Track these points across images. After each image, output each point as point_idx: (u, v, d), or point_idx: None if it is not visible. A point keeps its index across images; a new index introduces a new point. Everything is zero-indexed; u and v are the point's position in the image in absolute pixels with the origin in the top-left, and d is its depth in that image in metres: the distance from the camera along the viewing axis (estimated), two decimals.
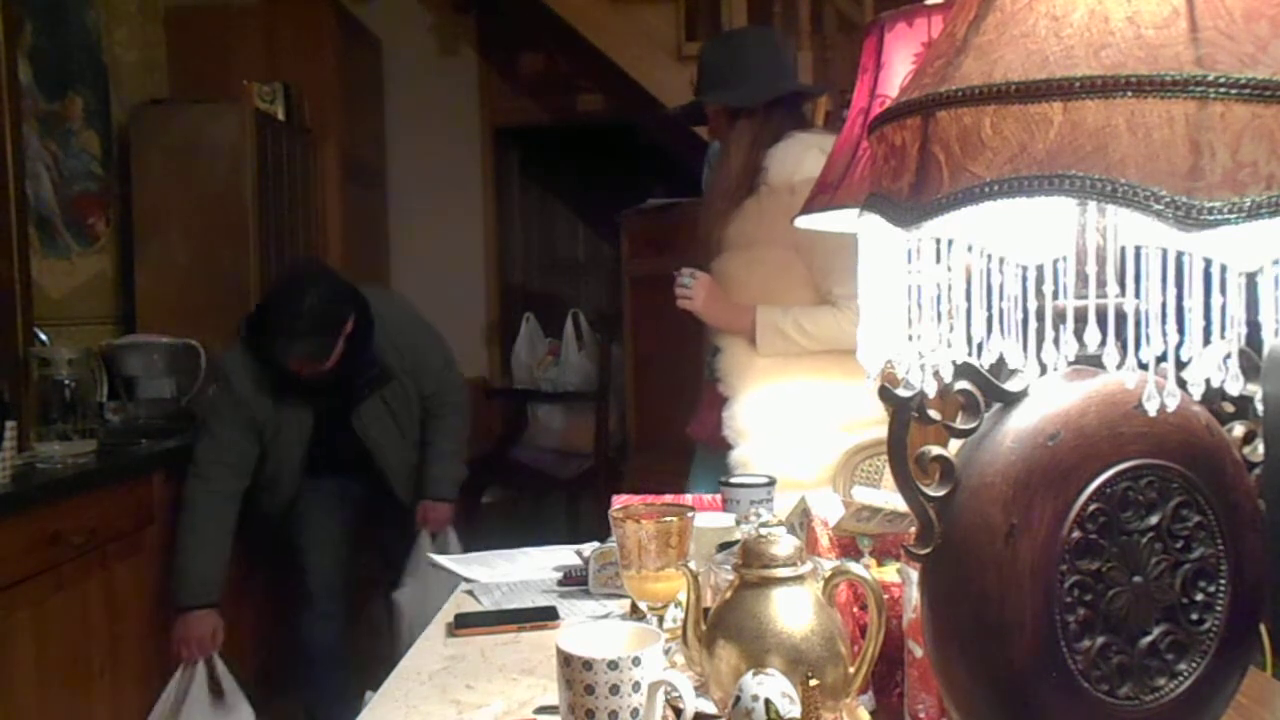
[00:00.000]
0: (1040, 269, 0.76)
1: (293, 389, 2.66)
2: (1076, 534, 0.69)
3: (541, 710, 1.09)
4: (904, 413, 0.74)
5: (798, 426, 2.00)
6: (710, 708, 0.98)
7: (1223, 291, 0.66)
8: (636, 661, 0.92)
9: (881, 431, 2.16)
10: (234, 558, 2.71)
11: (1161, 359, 0.65)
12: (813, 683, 0.89)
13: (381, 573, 3.07)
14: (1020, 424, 0.72)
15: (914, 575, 0.90)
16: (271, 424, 2.69)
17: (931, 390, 0.73)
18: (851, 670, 0.95)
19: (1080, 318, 0.73)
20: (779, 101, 2.09)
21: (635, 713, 0.92)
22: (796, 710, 0.87)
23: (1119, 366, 0.69)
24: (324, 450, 2.79)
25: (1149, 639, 0.70)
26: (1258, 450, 0.78)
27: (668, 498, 1.83)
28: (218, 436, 2.65)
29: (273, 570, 3.10)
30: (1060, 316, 0.75)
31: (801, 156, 2.00)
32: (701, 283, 2.09)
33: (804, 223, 1.54)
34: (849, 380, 1.97)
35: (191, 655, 2.59)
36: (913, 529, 0.76)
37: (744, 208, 2.07)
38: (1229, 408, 0.78)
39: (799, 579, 0.96)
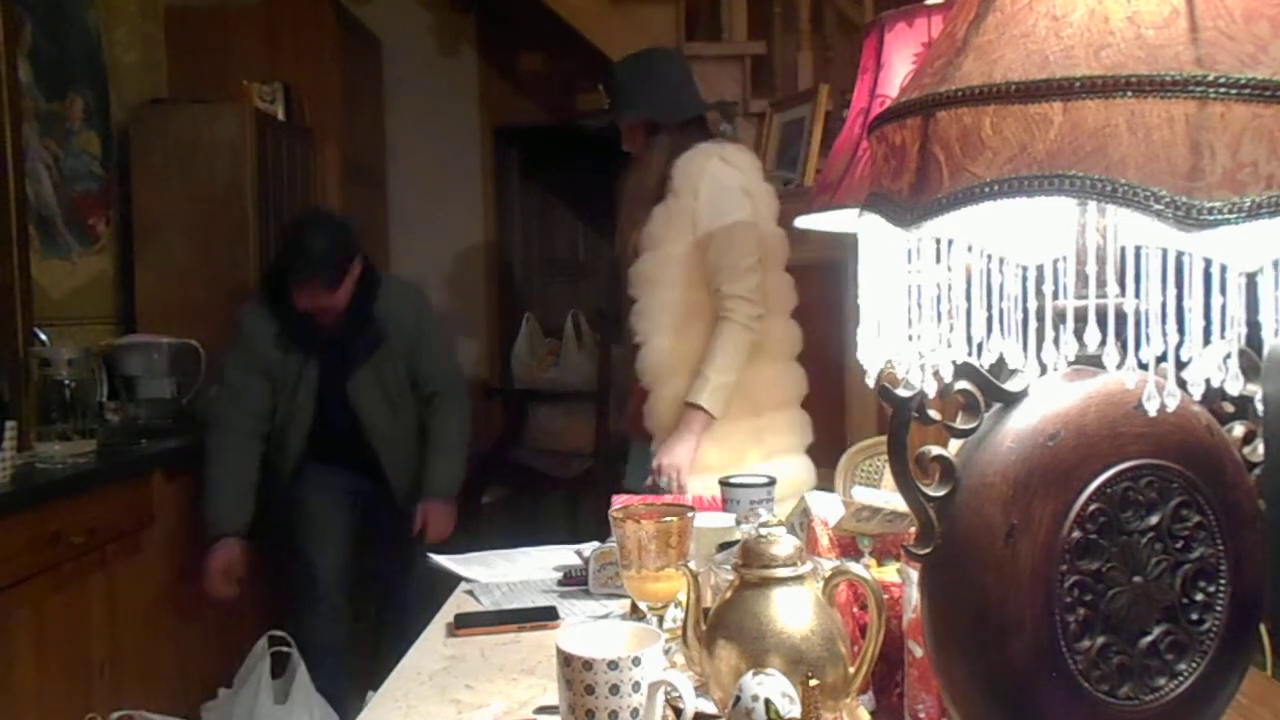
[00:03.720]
0: (1040, 269, 0.76)
1: (301, 340, 2.81)
2: (1076, 534, 0.69)
3: (541, 710, 1.09)
4: (904, 413, 0.74)
5: (762, 409, 2.21)
6: (710, 708, 0.98)
7: (1223, 291, 0.66)
8: (636, 661, 0.92)
9: (796, 417, 2.32)
10: (241, 557, 2.76)
11: (1161, 359, 0.65)
12: (813, 683, 0.89)
13: (385, 571, 3.09)
14: (1020, 424, 0.72)
15: (914, 575, 0.90)
16: (281, 377, 2.84)
17: (931, 390, 0.73)
18: (851, 670, 0.95)
19: (1080, 318, 0.73)
20: (691, 117, 2.31)
21: (635, 713, 0.92)
22: (796, 710, 0.87)
23: (1119, 366, 0.69)
24: (323, 424, 2.89)
25: (1149, 639, 0.70)
26: (1258, 450, 0.78)
27: (668, 498, 1.83)
28: (233, 384, 2.83)
29: (277, 569, 3.13)
30: (1060, 316, 0.75)
31: (704, 165, 2.21)
32: (671, 466, 2.17)
33: (803, 223, 1.54)
34: (754, 365, 2.20)
35: (213, 589, 2.71)
36: (913, 529, 0.76)
37: (654, 214, 2.25)
38: (1229, 408, 0.78)
39: (799, 579, 0.96)
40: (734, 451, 2.21)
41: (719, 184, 2.20)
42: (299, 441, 2.89)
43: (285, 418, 2.88)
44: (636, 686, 0.92)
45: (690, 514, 1.18)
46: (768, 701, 0.86)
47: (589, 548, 1.54)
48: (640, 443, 2.37)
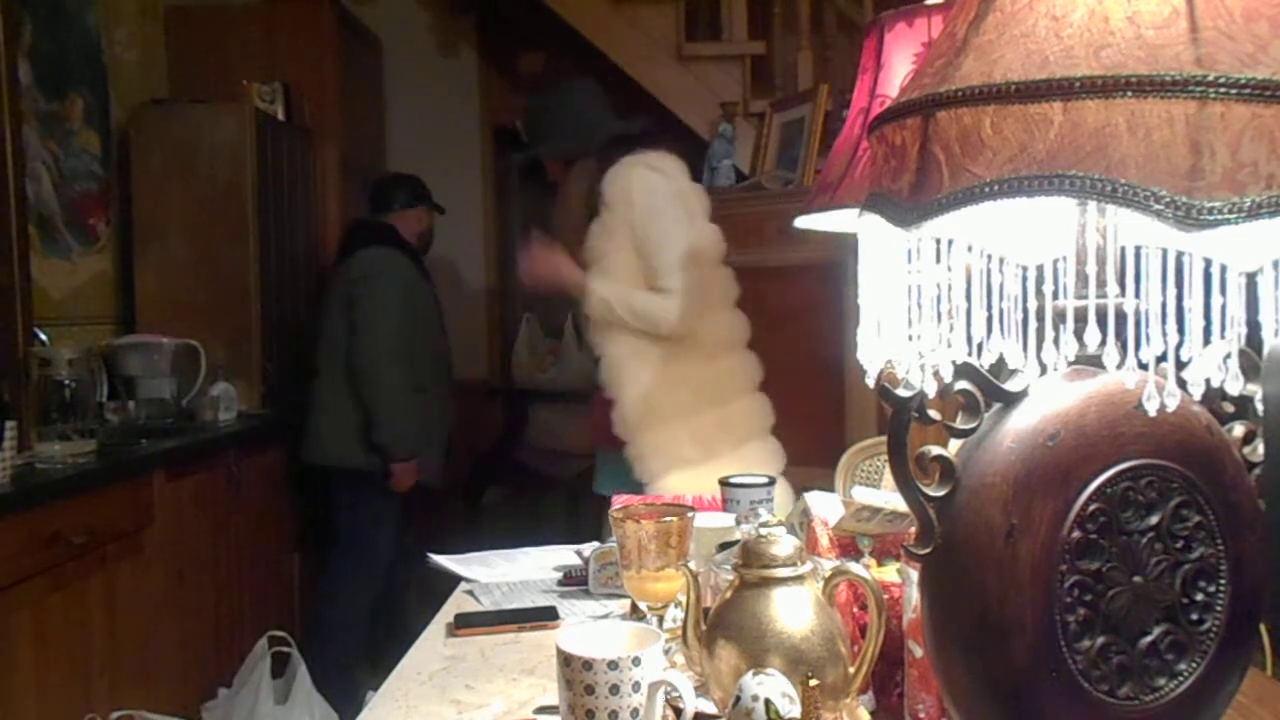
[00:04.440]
0: (1040, 269, 0.76)
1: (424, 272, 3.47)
2: (1076, 534, 0.69)
3: (541, 710, 1.09)
4: (904, 413, 0.74)
5: (676, 411, 2.29)
6: (710, 708, 0.98)
7: (1223, 291, 0.66)
8: (636, 661, 0.92)
9: (758, 403, 2.39)
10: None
11: (1161, 359, 0.65)
12: (813, 683, 0.89)
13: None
14: (1020, 424, 0.72)
15: (914, 575, 0.90)
16: (425, 314, 3.41)
17: (931, 390, 0.73)
18: (851, 670, 0.95)
19: (1080, 318, 0.73)
20: (608, 141, 2.39)
21: (635, 713, 0.92)
22: (796, 710, 0.87)
23: (1119, 366, 0.69)
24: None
25: (1149, 639, 0.70)
26: (1258, 450, 0.78)
27: (668, 498, 1.83)
28: (402, 329, 3.26)
29: (318, 535, 3.49)
30: (1060, 316, 0.75)
31: (629, 175, 2.30)
32: (544, 249, 2.41)
33: (803, 223, 1.54)
34: (708, 364, 2.32)
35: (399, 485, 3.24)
36: (913, 529, 0.76)
37: (591, 231, 2.34)
38: (1229, 408, 0.78)
39: (799, 579, 0.96)
40: (706, 444, 2.29)
41: (649, 190, 2.29)
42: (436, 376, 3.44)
43: (424, 354, 3.37)
44: (636, 686, 0.92)
45: (690, 514, 1.18)
46: (768, 701, 0.86)
47: (589, 548, 1.54)
48: (608, 450, 2.43)
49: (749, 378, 2.44)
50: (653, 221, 2.28)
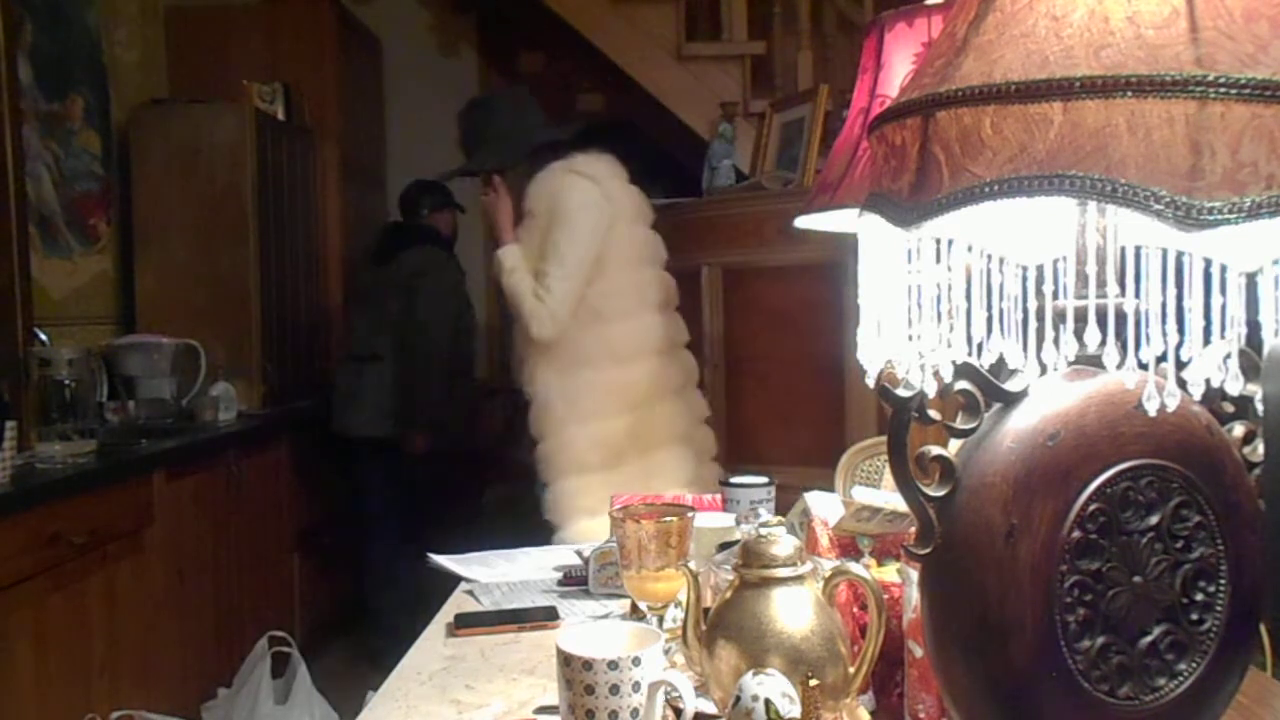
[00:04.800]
0: (1040, 269, 0.76)
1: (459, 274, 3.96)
2: (1076, 534, 0.69)
3: (541, 710, 1.09)
4: (904, 413, 0.74)
5: (574, 416, 2.35)
6: (710, 708, 0.98)
7: (1223, 291, 0.66)
8: (636, 661, 0.92)
9: (673, 409, 2.44)
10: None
11: (1161, 359, 0.65)
12: (813, 683, 0.89)
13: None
14: (1020, 424, 0.72)
15: (914, 575, 0.90)
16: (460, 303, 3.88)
17: (931, 390, 0.73)
18: (851, 670, 0.95)
19: (1080, 318, 0.73)
20: (540, 149, 2.44)
21: (635, 713, 0.92)
22: (796, 710, 0.87)
23: (1119, 366, 0.69)
24: None
25: (1149, 639, 0.70)
26: (1258, 450, 0.78)
27: (668, 497, 1.83)
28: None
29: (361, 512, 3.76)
30: (1060, 316, 0.75)
31: (551, 181, 2.37)
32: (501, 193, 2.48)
33: (803, 223, 1.54)
34: (617, 369, 2.36)
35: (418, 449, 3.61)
36: (913, 529, 0.76)
37: (520, 237, 2.42)
38: (1229, 408, 0.78)
39: (799, 579, 0.96)
40: (609, 449, 2.34)
41: (564, 198, 2.34)
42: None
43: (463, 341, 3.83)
44: (636, 686, 0.92)
45: (690, 514, 1.18)
46: (768, 701, 0.86)
47: (589, 548, 1.54)
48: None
49: (669, 382, 2.46)
50: (561, 228, 2.31)
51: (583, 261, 2.31)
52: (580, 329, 2.34)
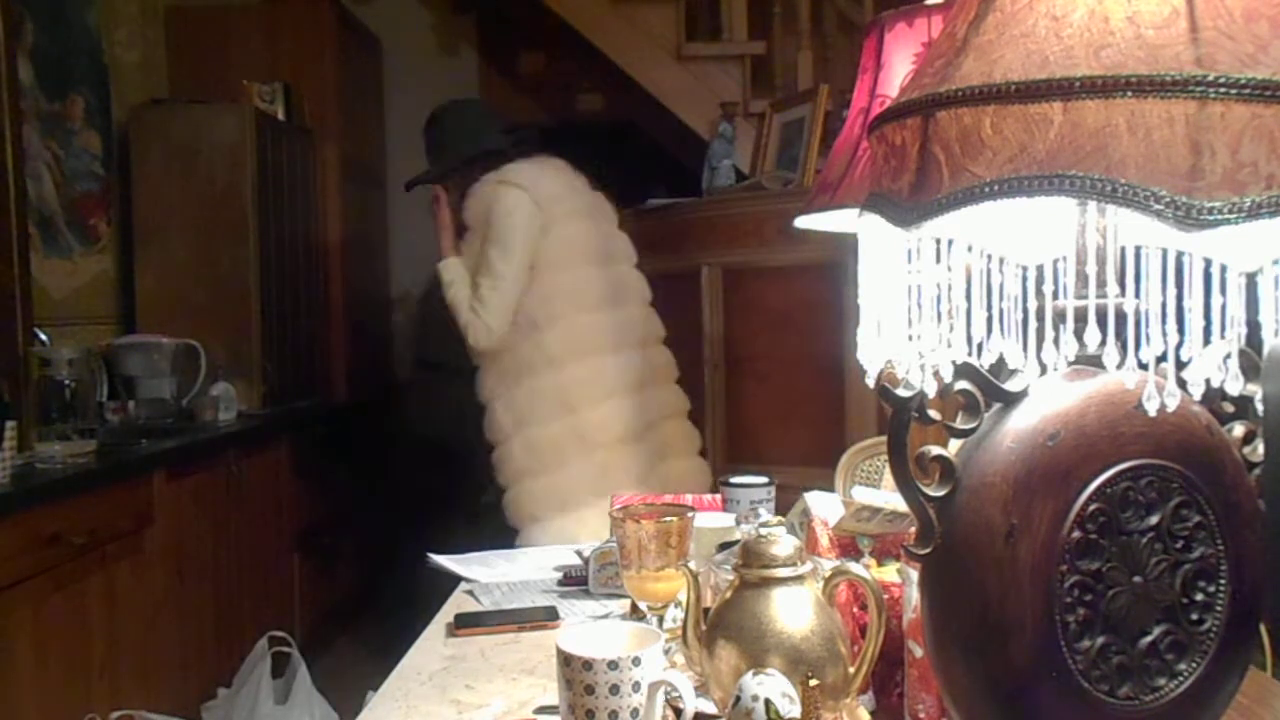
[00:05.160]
0: (1040, 269, 0.76)
1: None
2: (1076, 534, 0.69)
3: (541, 710, 1.09)
4: (904, 413, 0.74)
5: (510, 422, 2.45)
6: (710, 708, 0.98)
7: (1223, 291, 0.66)
8: (636, 661, 0.92)
9: (619, 409, 2.46)
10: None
11: (1161, 359, 0.65)
12: (813, 683, 0.89)
13: None
14: (1020, 424, 0.72)
15: (914, 575, 0.90)
16: None
17: (931, 390, 0.73)
18: (851, 670, 0.95)
19: (1080, 318, 0.73)
20: (474, 160, 2.51)
21: (635, 713, 0.92)
22: (796, 710, 0.87)
23: (1119, 366, 0.69)
24: None
25: (1149, 639, 0.70)
26: (1258, 450, 0.78)
27: (668, 498, 1.83)
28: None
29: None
30: (1060, 316, 0.75)
31: (481, 193, 2.45)
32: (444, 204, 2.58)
33: (803, 223, 1.54)
34: (553, 373, 2.40)
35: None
36: (913, 529, 0.76)
37: (461, 249, 2.52)
38: (1229, 408, 0.78)
39: (799, 579, 0.96)
40: (546, 453, 2.39)
41: (494, 209, 2.41)
42: None
43: None
44: (636, 686, 0.92)
45: (690, 514, 1.18)
46: (768, 701, 0.86)
47: (589, 548, 1.54)
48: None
49: (618, 381, 2.47)
50: (491, 239, 2.40)
51: (515, 271, 2.38)
52: (518, 337, 2.41)
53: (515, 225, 2.38)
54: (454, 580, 1.64)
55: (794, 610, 0.94)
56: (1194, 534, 0.71)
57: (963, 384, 0.73)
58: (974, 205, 0.65)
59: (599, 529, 1.99)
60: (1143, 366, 0.70)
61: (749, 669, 0.90)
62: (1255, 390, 0.75)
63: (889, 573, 1.09)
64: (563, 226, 2.44)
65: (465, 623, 1.38)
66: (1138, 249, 0.68)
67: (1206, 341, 0.67)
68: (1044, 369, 0.73)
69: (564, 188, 2.50)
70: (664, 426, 2.58)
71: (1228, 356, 0.68)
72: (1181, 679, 0.71)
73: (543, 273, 2.40)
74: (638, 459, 2.46)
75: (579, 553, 1.60)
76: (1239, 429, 0.78)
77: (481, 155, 2.51)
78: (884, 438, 1.13)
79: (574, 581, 1.54)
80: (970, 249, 0.72)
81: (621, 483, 2.31)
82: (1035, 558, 0.69)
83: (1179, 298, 0.65)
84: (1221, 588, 0.72)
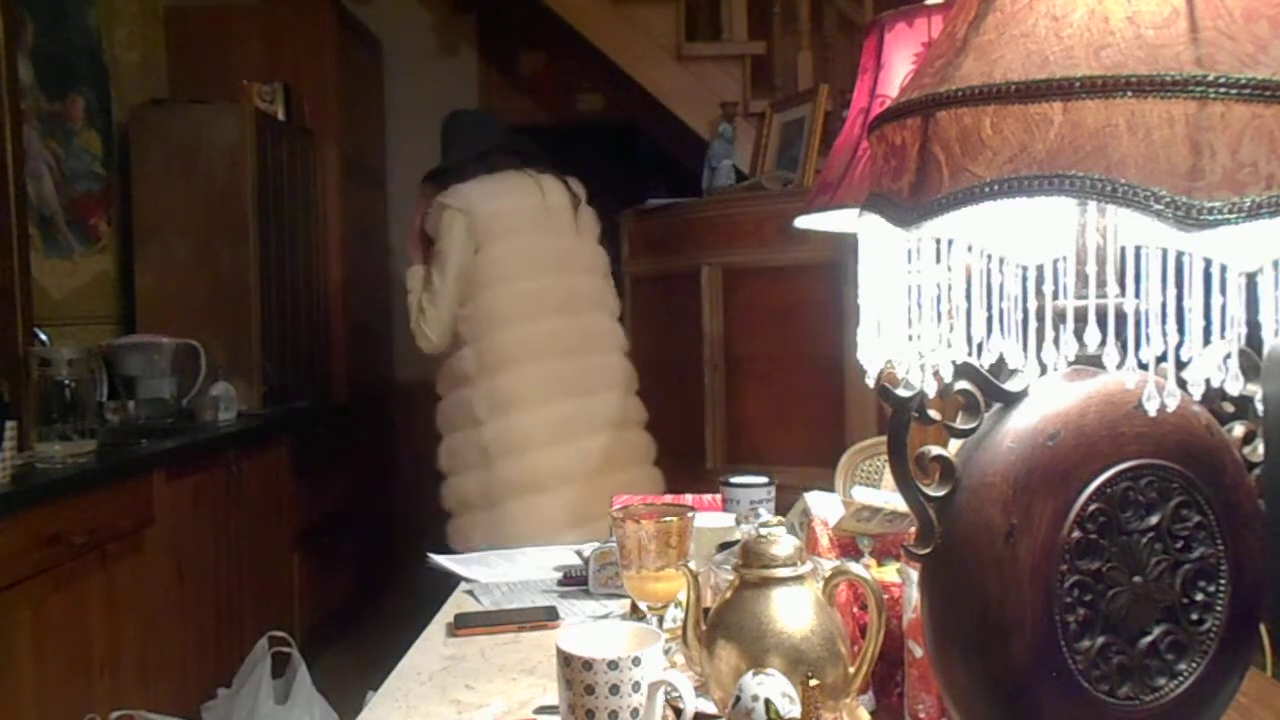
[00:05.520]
0: (1040, 269, 0.76)
1: None
2: (1076, 534, 0.69)
3: (541, 710, 1.09)
4: (904, 413, 0.74)
5: (446, 426, 2.65)
6: (710, 708, 0.98)
7: (1223, 291, 0.66)
8: (636, 661, 0.92)
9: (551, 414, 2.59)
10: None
11: (1161, 359, 0.65)
12: (813, 683, 0.89)
13: None
14: (1020, 424, 0.72)
15: (914, 575, 0.90)
16: None
17: (931, 390, 0.73)
18: (851, 670, 0.95)
19: (1080, 318, 0.73)
20: (432, 176, 2.71)
21: (635, 713, 0.92)
22: (796, 710, 0.87)
23: (1119, 366, 0.69)
24: None
25: (1149, 639, 0.70)
26: (1258, 450, 0.78)
27: (668, 498, 1.83)
28: None
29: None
30: (1060, 316, 0.75)
31: (435, 215, 2.61)
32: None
33: (803, 223, 1.54)
34: (486, 379, 2.54)
35: None
36: (913, 529, 0.76)
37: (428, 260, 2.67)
38: (1229, 408, 0.78)
39: (799, 579, 0.96)
40: (475, 453, 2.55)
41: (437, 229, 2.60)
42: None
43: None
44: (636, 686, 0.92)
45: (690, 514, 1.18)
46: (768, 701, 0.86)
47: (589, 548, 1.54)
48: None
49: (550, 389, 2.57)
50: (434, 258, 2.60)
51: (448, 289, 2.56)
52: (452, 348, 2.59)
53: (449, 244, 2.56)
54: (454, 580, 1.64)
55: (794, 610, 0.94)
56: (1194, 534, 0.71)
57: (963, 384, 0.73)
58: (974, 205, 0.65)
59: (531, 529, 2.32)
60: (1143, 366, 0.70)
61: (749, 669, 0.90)
62: (1255, 390, 0.75)
63: (889, 573, 1.09)
64: (498, 244, 2.57)
65: (465, 623, 1.38)
66: (1138, 249, 0.68)
67: (1206, 341, 0.67)
68: (1044, 369, 0.73)
69: (508, 206, 2.62)
70: (607, 435, 2.66)
71: (1228, 356, 0.68)
72: (1181, 679, 0.71)
73: (481, 289, 2.55)
74: (570, 462, 2.57)
75: (579, 553, 1.60)
76: (1239, 429, 0.78)
77: (438, 173, 2.69)
78: (884, 438, 1.13)
79: (574, 581, 1.54)
80: (970, 249, 0.72)
81: (553, 484, 2.51)
82: (1035, 558, 0.69)
83: (1179, 298, 0.65)
84: (1221, 588, 0.72)
